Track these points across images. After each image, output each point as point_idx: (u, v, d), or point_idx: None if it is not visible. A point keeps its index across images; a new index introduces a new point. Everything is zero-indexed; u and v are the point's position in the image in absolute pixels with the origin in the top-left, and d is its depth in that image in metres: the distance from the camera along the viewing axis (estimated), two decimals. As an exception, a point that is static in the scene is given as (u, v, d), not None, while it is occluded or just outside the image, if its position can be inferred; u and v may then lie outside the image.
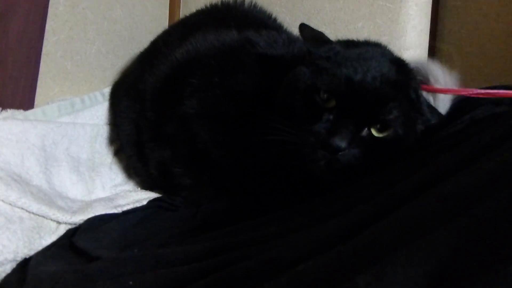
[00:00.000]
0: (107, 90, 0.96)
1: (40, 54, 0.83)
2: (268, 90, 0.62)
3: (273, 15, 0.96)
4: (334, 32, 0.97)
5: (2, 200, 0.60)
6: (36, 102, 0.84)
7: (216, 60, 0.72)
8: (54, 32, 0.85)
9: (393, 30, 0.92)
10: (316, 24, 0.99)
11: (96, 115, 0.91)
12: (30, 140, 0.72)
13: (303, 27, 0.61)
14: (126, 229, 0.66)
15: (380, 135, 0.53)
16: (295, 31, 0.95)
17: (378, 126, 0.53)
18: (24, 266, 0.57)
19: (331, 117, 0.53)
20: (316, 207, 0.49)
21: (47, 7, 0.82)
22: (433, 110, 0.59)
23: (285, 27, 0.95)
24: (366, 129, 0.53)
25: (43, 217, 0.65)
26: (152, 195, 0.82)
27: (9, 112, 0.75)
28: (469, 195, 0.34)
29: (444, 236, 0.31)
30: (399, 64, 0.56)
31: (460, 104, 0.65)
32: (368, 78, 0.52)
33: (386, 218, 0.35)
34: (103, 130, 0.90)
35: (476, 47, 0.96)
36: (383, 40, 0.95)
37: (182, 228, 0.63)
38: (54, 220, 0.66)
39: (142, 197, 0.80)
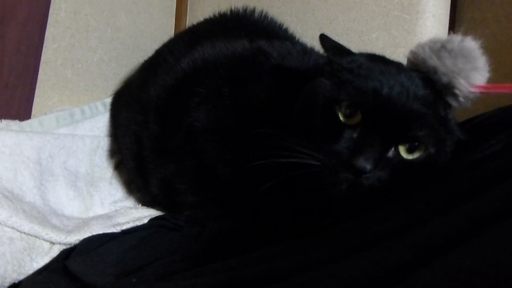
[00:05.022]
0: (108, 100, 0.93)
1: (39, 62, 0.80)
2: (282, 104, 0.57)
3: (284, 25, 0.92)
4: (348, 43, 0.92)
5: (-9, 220, 0.56)
6: (33, 112, 0.81)
7: (226, 69, 0.68)
8: (54, 39, 0.82)
9: (409, 41, 0.89)
10: (328, 35, 0.95)
11: (96, 126, 0.87)
12: (24, 153, 0.68)
13: (323, 37, 0.57)
14: (125, 252, 0.61)
15: (410, 157, 0.48)
16: (307, 42, 0.91)
17: (407, 145, 0.48)
18: (11, 293, 0.52)
19: (355, 135, 0.48)
20: (336, 237, 0.44)
21: (48, 13, 0.79)
22: (460, 127, 0.54)
23: (297, 37, 0.91)
24: (393, 149, 0.48)
25: (36, 237, 0.60)
26: (153, 212, 0.77)
27: (4, 122, 0.72)
28: None
29: None
30: (427, 79, 0.51)
31: (488, 121, 0.60)
32: (396, 92, 0.48)
33: (445, 259, 0.29)
34: (104, 143, 0.86)
35: (494, 60, 0.93)
36: (399, 52, 0.91)
37: (185, 253, 0.58)
38: (47, 240, 0.61)
39: (143, 214, 0.75)
